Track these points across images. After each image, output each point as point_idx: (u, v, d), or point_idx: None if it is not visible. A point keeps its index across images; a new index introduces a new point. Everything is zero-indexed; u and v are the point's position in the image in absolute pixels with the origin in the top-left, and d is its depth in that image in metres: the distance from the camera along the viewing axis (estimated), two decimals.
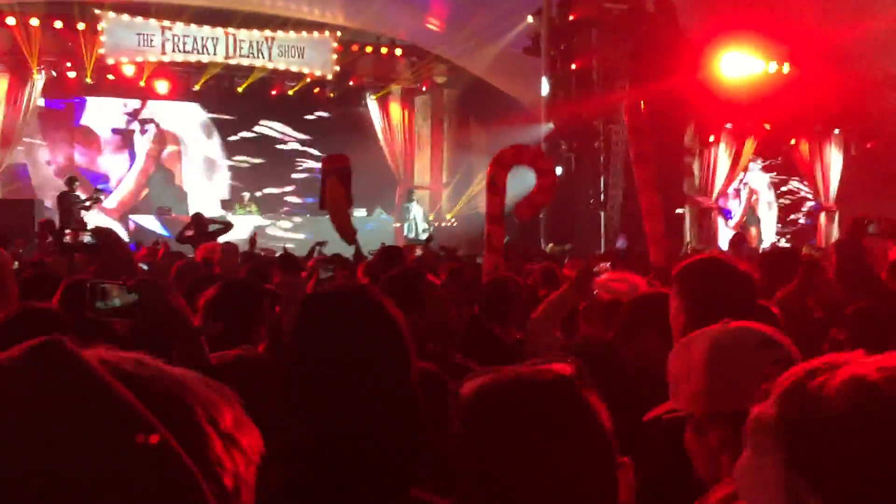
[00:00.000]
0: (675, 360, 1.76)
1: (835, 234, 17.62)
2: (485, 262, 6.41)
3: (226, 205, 19.08)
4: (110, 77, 18.32)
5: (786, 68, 17.05)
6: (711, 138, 18.51)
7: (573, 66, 17.21)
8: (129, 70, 18.27)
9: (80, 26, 17.44)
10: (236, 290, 3.08)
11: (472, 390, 1.17)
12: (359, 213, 19.75)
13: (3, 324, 2.98)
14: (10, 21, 16.82)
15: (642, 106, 7.49)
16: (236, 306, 2.97)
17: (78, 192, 15.30)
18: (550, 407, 1.13)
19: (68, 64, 17.85)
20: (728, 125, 18.52)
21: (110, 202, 19.15)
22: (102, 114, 19.70)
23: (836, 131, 18.85)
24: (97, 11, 17.59)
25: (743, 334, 1.73)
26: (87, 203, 15.20)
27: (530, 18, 17.75)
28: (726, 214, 19.58)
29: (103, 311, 2.21)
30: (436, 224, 20.49)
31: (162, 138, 20.32)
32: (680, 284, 2.37)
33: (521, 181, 8.27)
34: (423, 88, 21.43)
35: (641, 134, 7.12)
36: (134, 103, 19.90)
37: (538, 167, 7.40)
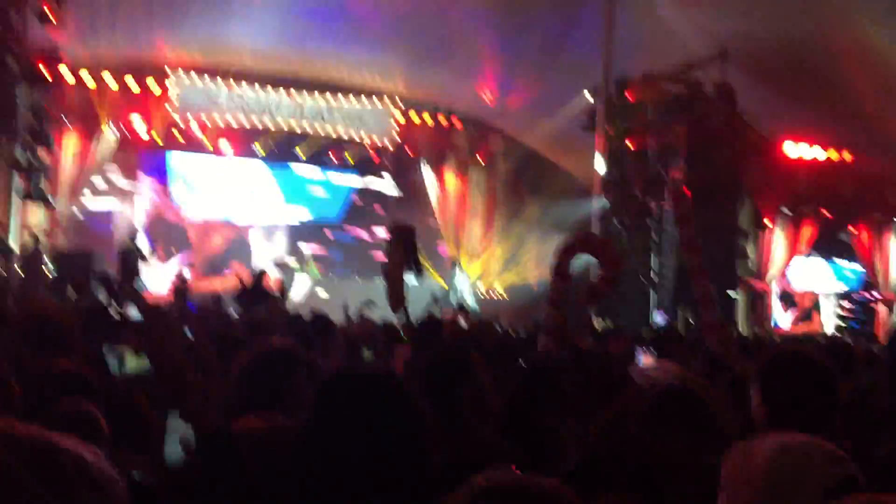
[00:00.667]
0: (733, 462, 1.69)
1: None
2: (539, 345, 6.42)
3: (282, 265, 19.40)
4: (176, 134, 18.92)
5: (846, 155, 16.89)
6: (767, 221, 18.32)
7: (628, 144, 17.26)
8: (194, 128, 18.86)
9: (151, 84, 18.11)
10: (271, 359, 3.08)
11: (481, 486, 1.17)
12: (408, 277, 19.89)
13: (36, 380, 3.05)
14: (84, 76, 17.53)
15: (688, 193, 7.48)
16: (270, 375, 2.96)
17: (139, 245, 15.70)
18: None
19: (137, 120, 18.46)
20: (785, 209, 18.34)
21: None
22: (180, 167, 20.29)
23: None
24: (168, 70, 18.28)
25: (810, 447, 1.67)
26: (145, 257, 15.59)
27: (588, 95, 17.92)
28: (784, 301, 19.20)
29: (116, 373, 2.29)
30: (485, 294, 20.48)
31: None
32: (762, 379, 2.33)
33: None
34: (479, 159, 21.67)
35: (688, 222, 7.09)
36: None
37: (604, 258, 7.43)
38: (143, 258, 15.65)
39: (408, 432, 1.55)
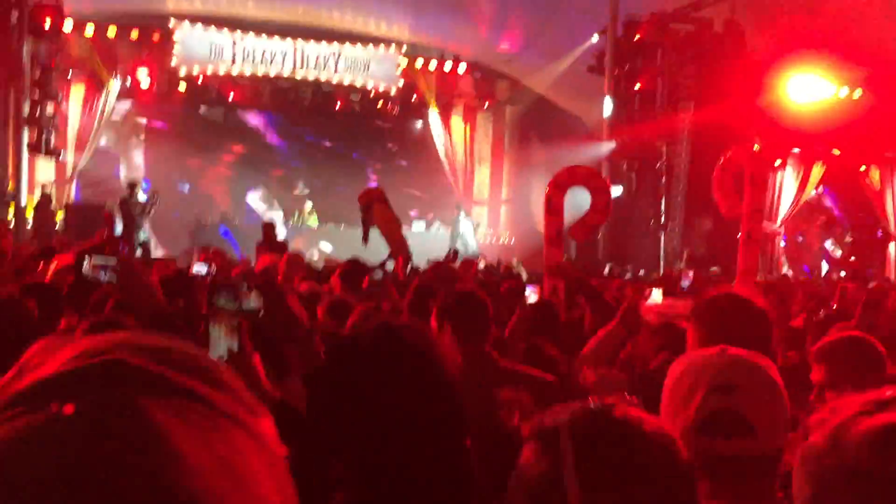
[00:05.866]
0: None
1: None
2: (545, 284, 6.35)
3: (287, 213, 19.39)
4: (181, 86, 18.83)
5: (857, 93, 16.66)
6: (778, 162, 18.17)
7: (637, 86, 17.10)
8: (200, 79, 18.75)
9: (155, 36, 17.99)
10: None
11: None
12: (417, 226, 19.91)
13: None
14: (89, 30, 17.41)
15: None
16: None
17: (139, 198, 15.62)
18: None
19: (142, 72, 18.37)
20: (795, 149, 18.17)
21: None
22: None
23: None
24: (172, 22, 18.13)
25: (710, 359, 1.63)
26: (148, 208, 15.48)
27: (596, 37, 17.70)
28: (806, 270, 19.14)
29: (223, 308, 2.17)
30: (493, 240, 20.50)
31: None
32: (697, 319, 2.34)
33: (582, 202, 8.22)
34: (486, 105, 21.51)
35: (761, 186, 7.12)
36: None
37: (592, 186, 7.36)
38: (145, 211, 15.48)
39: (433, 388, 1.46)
